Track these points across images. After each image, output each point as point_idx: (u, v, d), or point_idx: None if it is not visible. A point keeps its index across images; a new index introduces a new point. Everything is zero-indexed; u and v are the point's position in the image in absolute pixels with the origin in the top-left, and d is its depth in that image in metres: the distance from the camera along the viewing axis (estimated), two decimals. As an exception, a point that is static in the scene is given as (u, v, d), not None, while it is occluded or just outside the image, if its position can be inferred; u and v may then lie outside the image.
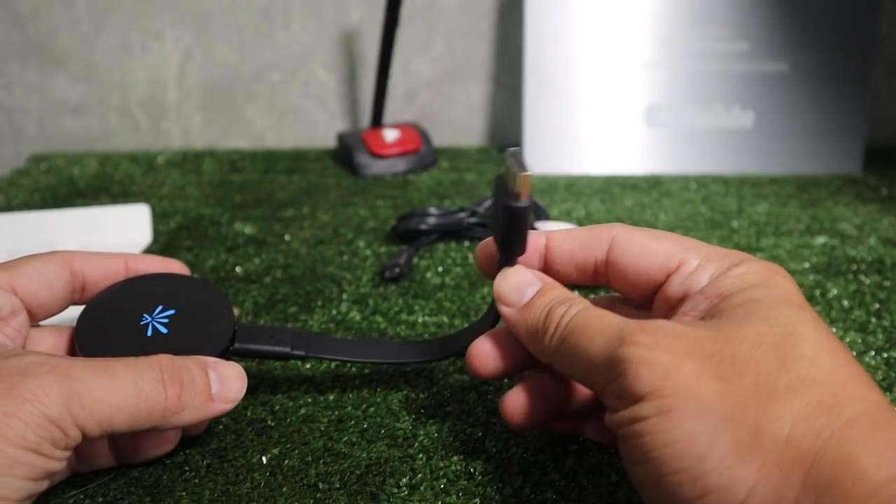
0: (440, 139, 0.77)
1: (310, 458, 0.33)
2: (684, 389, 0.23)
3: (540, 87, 0.67)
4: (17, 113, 0.77)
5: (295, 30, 0.75)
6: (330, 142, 0.77)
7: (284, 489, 0.31)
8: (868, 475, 0.20)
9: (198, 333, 0.32)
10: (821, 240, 0.54)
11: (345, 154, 0.70)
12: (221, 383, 0.30)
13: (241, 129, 0.78)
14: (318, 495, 0.31)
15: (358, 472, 0.32)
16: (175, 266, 0.36)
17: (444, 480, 0.31)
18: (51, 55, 0.75)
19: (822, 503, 0.20)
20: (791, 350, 0.23)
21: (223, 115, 0.77)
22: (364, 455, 0.33)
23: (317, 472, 0.32)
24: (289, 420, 0.35)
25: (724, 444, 0.22)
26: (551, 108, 0.67)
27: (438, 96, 0.77)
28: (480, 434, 0.34)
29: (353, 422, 0.35)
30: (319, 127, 0.78)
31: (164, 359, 0.28)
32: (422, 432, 0.34)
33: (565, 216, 0.58)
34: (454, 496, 0.31)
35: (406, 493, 0.31)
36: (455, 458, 0.33)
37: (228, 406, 0.30)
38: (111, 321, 0.32)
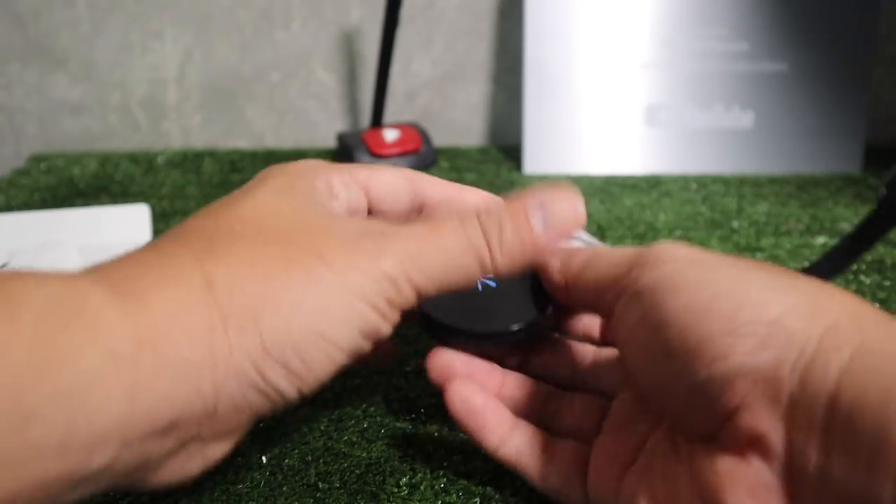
0: (440, 139, 0.77)
1: (309, 458, 0.33)
2: (716, 256, 0.25)
3: (540, 87, 0.67)
4: (17, 113, 0.77)
5: (295, 30, 0.75)
6: (330, 142, 0.77)
7: (284, 489, 0.31)
8: None
9: (524, 290, 0.32)
10: (821, 240, 0.54)
11: (345, 154, 0.70)
12: (550, 218, 0.29)
13: (241, 129, 0.78)
14: (318, 495, 0.31)
15: (358, 471, 0.32)
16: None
17: (444, 480, 0.31)
18: (51, 55, 0.75)
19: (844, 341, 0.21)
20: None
21: (223, 115, 0.77)
22: (364, 455, 0.33)
23: (316, 472, 0.32)
24: (288, 419, 0.35)
25: (761, 278, 0.23)
26: (551, 108, 0.67)
27: (438, 96, 0.77)
28: (480, 434, 0.34)
29: (353, 421, 0.35)
30: (319, 127, 0.78)
31: (473, 201, 0.33)
32: (422, 432, 0.34)
33: (565, 216, 0.58)
34: (454, 496, 0.31)
35: (406, 492, 0.31)
36: (455, 458, 0.33)
37: (560, 235, 0.29)
38: None
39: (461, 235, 0.27)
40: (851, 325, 0.21)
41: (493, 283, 0.32)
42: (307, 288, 0.24)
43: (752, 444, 0.22)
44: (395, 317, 0.26)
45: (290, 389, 0.24)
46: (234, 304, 0.23)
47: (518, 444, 0.29)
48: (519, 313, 0.31)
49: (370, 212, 0.32)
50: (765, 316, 0.22)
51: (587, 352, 0.33)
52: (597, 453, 0.28)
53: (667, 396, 0.25)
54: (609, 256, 0.28)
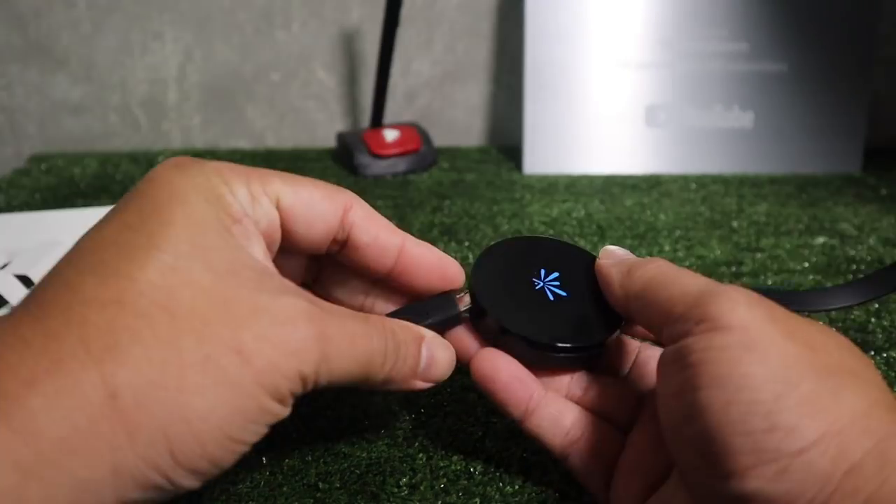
0: (440, 139, 0.77)
1: (310, 458, 0.33)
2: (774, 337, 0.23)
3: (540, 87, 0.67)
4: (17, 113, 0.77)
5: (295, 30, 0.75)
6: (330, 142, 0.77)
7: (284, 489, 0.31)
8: None
9: (596, 300, 0.31)
10: (820, 240, 0.54)
11: (345, 154, 0.70)
12: (429, 364, 0.29)
13: (242, 129, 0.78)
14: (318, 495, 0.31)
15: (358, 471, 0.32)
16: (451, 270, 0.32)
17: (444, 480, 0.31)
18: (51, 55, 0.75)
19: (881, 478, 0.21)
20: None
21: (223, 115, 0.77)
22: (364, 455, 0.33)
23: (317, 472, 0.32)
24: (289, 419, 0.35)
25: (803, 391, 0.22)
26: (551, 108, 0.67)
27: (438, 96, 0.77)
28: (480, 434, 0.34)
29: (353, 421, 0.35)
30: (319, 127, 0.78)
31: (388, 325, 0.27)
32: (422, 432, 0.34)
33: (565, 216, 0.58)
34: (454, 496, 0.31)
35: (406, 492, 0.31)
36: (455, 458, 0.33)
37: (428, 386, 0.29)
38: (507, 282, 0.31)
39: (373, 343, 0.26)
40: (875, 466, 0.21)
41: (564, 293, 0.31)
42: (222, 394, 0.22)
43: None
44: (293, 401, 0.25)
45: (195, 485, 0.23)
46: (142, 418, 0.21)
47: (543, 418, 0.30)
48: (592, 329, 0.30)
49: (283, 233, 0.28)
50: (793, 445, 0.21)
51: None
52: (627, 460, 0.29)
53: (686, 473, 0.25)
54: (671, 289, 0.26)
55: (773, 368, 0.22)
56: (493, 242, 0.34)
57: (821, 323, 0.25)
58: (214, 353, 0.22)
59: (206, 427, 0.22)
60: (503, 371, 0.30)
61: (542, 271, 0.32)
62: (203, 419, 0.22)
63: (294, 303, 0.24)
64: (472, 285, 0.31)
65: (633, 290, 0.28)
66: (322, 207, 0.28)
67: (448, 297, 0.31)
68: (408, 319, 0.29)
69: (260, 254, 0.26)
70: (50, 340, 0.21)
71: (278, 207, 0.27)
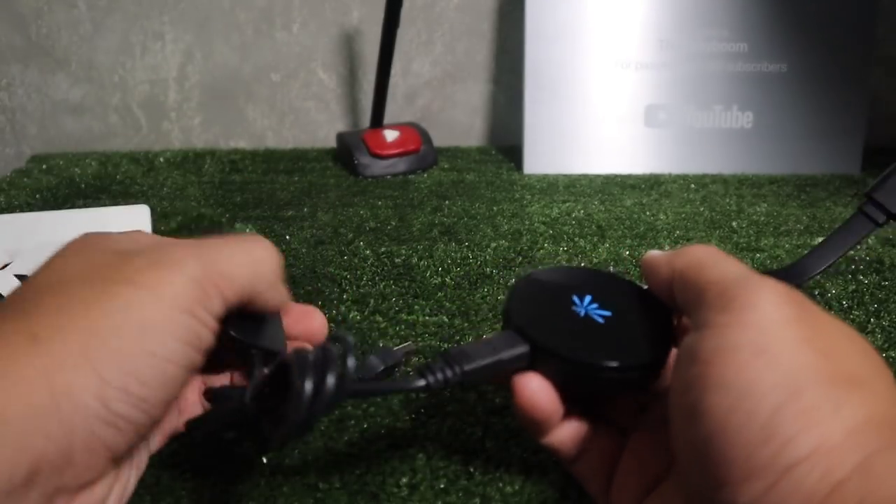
0: (440, 139, 0.77)
1: (310, 458, 0.33)
2: (787, 342, 0.23)
3: (540, 87, 0.67)
4: (18, 113, 0.77)
5: (295, 30, 0.75)
6: (330, 142, 0.77)
7: (284, 489, 0.31)
8: None
9: (639, 316, 0.30)
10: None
11: (345, 154, 0.70)
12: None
13: (242, 129, 0.78)
14: (318, 495, 0.31)
15: (358, 471, 0.32)
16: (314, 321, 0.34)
17: (444, 480, 0.32)
18: (52, 56, 0.75)
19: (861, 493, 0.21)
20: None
21: (224, 115, 0.77)
22: (364, 455, 0.33)
23: (317, 472, 0.32)
24: (289, 420, 0.35)
25: (803, 402, 0.22)
26: (551, 108, 0.67)
27: (438, 97, 0.77)
28: (480, 434, 0.34)
29: (353, 422, 0.35)
30: (319, 127, 0.78)
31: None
32: (422, 432, 0.34)
33: (565, 216, 0.58)
34: (454, 496, 0.31)
35: (406, 493, 0.31)
36: (455, 458, 0.33)
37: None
38: (553, 319, 0.30)
39: (268, 247, 0.29)
40: (858, 482, 0.21)
41: (608, 313, 0.30)
42: (125, 312, 0.25)
43: None
44: (212, 323, 0.27)
45: (135, 414, 0.24)
46: (63, 348, 0.23)
47: (563, 435, 0.30)
48: (650, 345, 0.29)
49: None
50: (783, 461, 0.21)
51: None
52: (625, 463, 0.29)
53: (682, 471, 0.25)
54: (711, 271, 0.27)
55: (778, 375, 0.22)
56: (513, 286, 0.32)
57: (849, 327, 0.25)
58: (107, 287, 0.25)
59: (121, 343, 0.24)
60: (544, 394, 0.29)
61: (576, 298, 0.31)
62: (114, 336, 0.24)
63: (169, 240, 0.29)
64: (528, 334, 0.29)
65: (677, 268, 0.28)
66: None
67: (513, 335, 0.29)
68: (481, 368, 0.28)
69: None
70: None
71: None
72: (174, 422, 0.32)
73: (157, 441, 0.30)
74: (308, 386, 0.24)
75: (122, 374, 0.24)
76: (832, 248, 0.34)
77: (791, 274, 0.34)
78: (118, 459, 0.25)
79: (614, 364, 0.28)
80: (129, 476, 0.28)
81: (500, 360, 0.28)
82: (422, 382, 0.27)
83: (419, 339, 0.42)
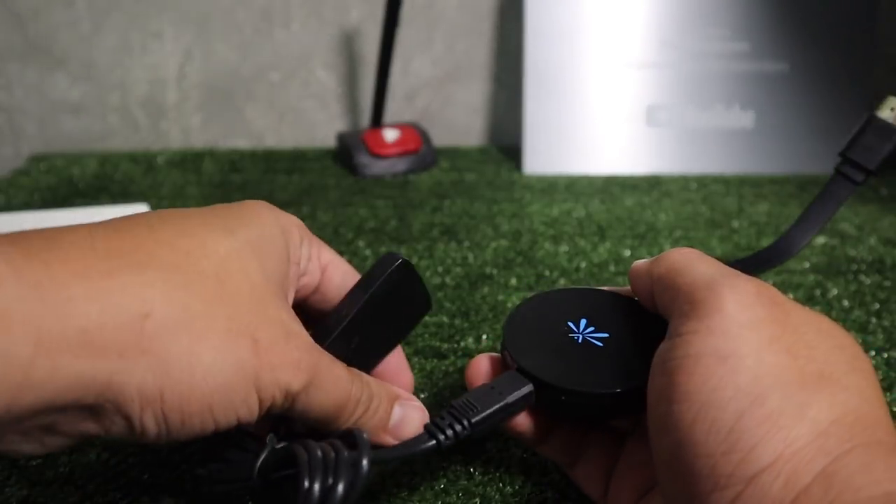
0: (440, 139, 0.77)
1: (309, 458, 0.33)
2: (752, 345, 0.23)
3: (540, 87, 0.67)
4: (16, 113, 0.77)
5: (295, 30, 0.75)
6: (330, 142, 0.77)
7: (284, 489, 0.31)
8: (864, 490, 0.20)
9: (637, 356, 0.28)
10: (821, 240, 0.54)
11: (345, 154, 0.70)
12: (401, 422, 0.29)
13: (241, 129, 0.78)
14: (318, 495, 0.31)
15: (358, 472, 0.32)
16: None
17: (444, 480, 0.31)
18: (50, 55, 0.75)
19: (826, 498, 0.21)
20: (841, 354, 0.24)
21: (223, 115, 0.77)
22: (364, 455, 0.33)
23: (316, 472, 0.32)
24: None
25: (767, 408, 0.22)
26: (551, 108, 0.67)
27: (438, 96, 0.77)
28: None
29: (352, 422, 0.35)
30: (319, 127, 0.78)
31: (366, 378, 0.28)
32: (422, 432, 0.34)
33: (565, 216, 0.58)
34: (454, 496, 0.31)
35: (406, 493, 0.31)
36: (455, 458, 0.33)
37: (395, 442, 0.29)
38: (551, 349, 0.30)
39: (358, 397, 0.27)
40: (821, 490, 0.21)
41: (606, 335, 0.30)
42: (227, 365, 0.24)
43: None
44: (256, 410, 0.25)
45: (152, 433, 0.24)
46: (157, 347, 0.22)
47: (558, 445, 0.30)
48: (642, 373, 0.27)
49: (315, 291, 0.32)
50: (747, 471, 0.21)
51: None
52: (621, 467, 0.29)
53: (660, 480, 0.25)
54: (686, 275, 0.27)
55: (742, 380, 0.22)
56: (507, 320, 0.32)
57: (826, 320, 0.25)
58: (236, 331, 0.24)
59: (200, 384, 0.23)
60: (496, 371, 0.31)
61: (571, 324, 0.31)
62: (202, 376, 0.23)
63: (305, 333, 0.27)
64: (522, 365, 0.29)
65: (656, 274, 0.28)
66: (350, 277, 0.32)
67: (514, 374, 0.29)
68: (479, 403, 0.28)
69: (291, 296, 0.29)
70: (114, 256, 0.23)
71: (323, 274, 0.31)
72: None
73: None
74: (316, 489, 0.24)
75: (175, 404, 0.23)
76: (816, 217, 0.33)
77: (779, 250, 0.33)
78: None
79: (618, 391, 0.28)
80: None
81: (506, 405, 0.28)
82: (432, 443, 0.27)
83: (419, 338, 0.42)
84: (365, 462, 0.24)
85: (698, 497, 0.22)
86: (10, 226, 0.53)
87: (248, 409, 0.25)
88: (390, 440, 0.28)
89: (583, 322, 0.31)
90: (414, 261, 0.51)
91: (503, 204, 0.61)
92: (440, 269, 0.50)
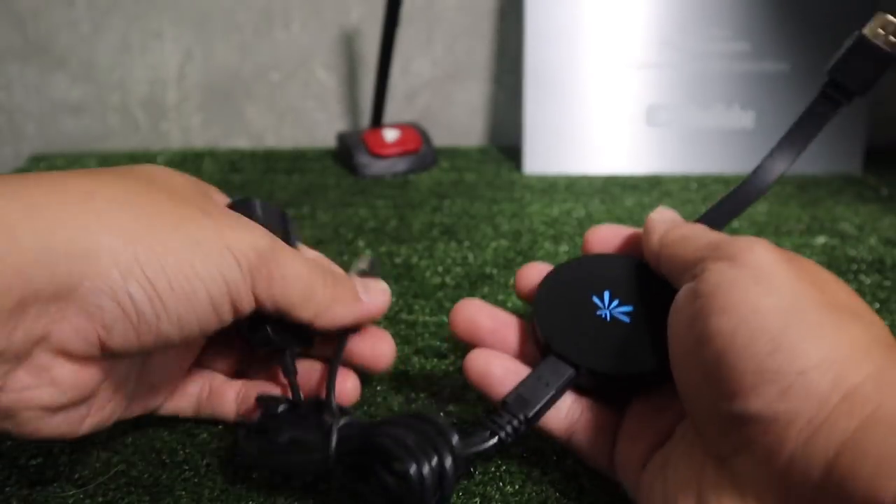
0: (440, 139, 0.77)
1: (310, 458, 0.33)
2: (784, 275, 0.24)
3: (540, 87, 0.67)
4: (16, 113, 0.77)
5: (295, 30, 0.75)
6: (330, 142, 0.77)
7: (284, 489, 0.31)
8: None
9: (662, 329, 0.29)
10: (821, 240, 0.54)
11: (345, 154, 0.70)
12: (367, 293, 0.32)
13: (241, 129, 0.78)
14: (319, 495, 0.31)
15: (358, 471, 0.32)
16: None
17: (444, 480, 0.31)
18: (50, 55, 0.75)
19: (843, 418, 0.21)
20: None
21: (223, 115, 0.77)
22: (364, 455, 0.33)
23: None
24: (288, 420, 0.35)
25: (808, 320, 0.23)
26: (551, 108, 0.67)
27: (438, 96, 0.77)
28: (480, 434, 0.34)
29: (352, 422, 0.35)
30: (319, 127, 0.78)
31: (323, 259, 0.33)
32: (422, 432, 0.34)
33: (565, 216, 0.58)
34: (454, 496, 0.31)
35: (406, 492, 0.31)
36: (455, 457, 0.33)
37: (374, 311, 0.32)
38: (582, 329, 0.31)
39: (323, 274, 0.30)
40: (872, 389, 0.21)
41: (630, 308, 0.31)
42: (189, 226, 0.26)
43: (752, 486, 0.22)
44: (249, 299, 0.28)
45: (146, 311, 0.25)
46: (110, 215, 0.25)
47: (558, 417, 0.31)
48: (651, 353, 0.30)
49: None
50: (794, 366, 0.22)
51: None
52: (627, 428, 0.29)
53: (692, 401, 0.26)
54: (699, 240, 0.28)
55: (780, 300, 0.23)
56: (536, 299, 0.33)
57: (830, 272, 0.27)
58: (192, 206, 0.27)
59: (172, 242, 0.25)
60: (497, 366, 0.31)
61: (596, 300, 0.32)
62: (170, 236, 0.25)
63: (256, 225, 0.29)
64: (561, 352, 0.30)
65: (668, 240, 0.30)
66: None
67: (555, 361, 0.30)
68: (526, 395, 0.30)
69: None
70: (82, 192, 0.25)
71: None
72: (159, 400, 0.32)
73: (135, 407, 0.31)
74: (426, 472, 0.24)
75: (157, 266, 0.25)
76: (799, 137, 0.33)
77: (766, 169, 0.33)
78: (107, 355, 0.25)
79: (653, 367, 0.29)
80: (106, 411, 0.28)
81: (554, 395, 0.30)
82: (494, 441, 0.28)
83: (419, 338, 0.42)
84: (455, 441, 0.26)
85: (740, 394, 0.22)
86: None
87: (227, 266, 0.26)
88: (369, 307, 0.32)
89: (606, 296, 0.32)
90: (414, 261, 0.51)
91: (503, 204, 0.61)
92: (440, 269, 0.50)
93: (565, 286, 0.33)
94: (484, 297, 0.46)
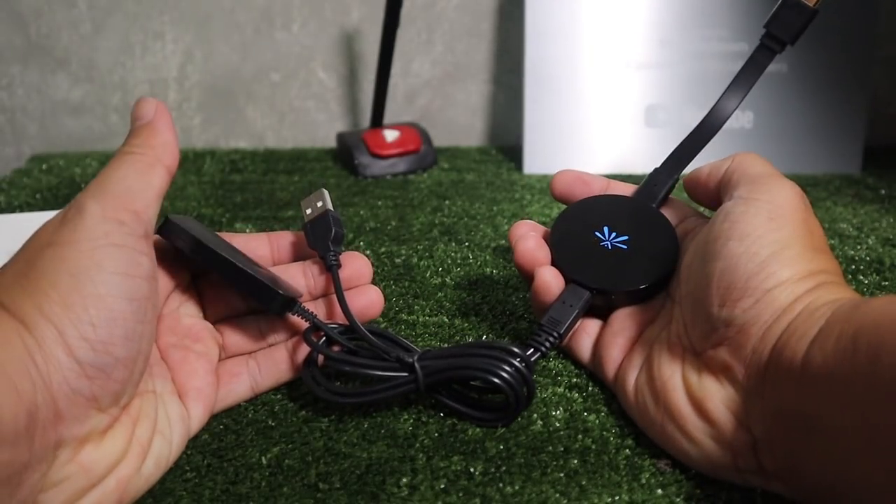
0: (440, 139, 0.77)
1: (310, 458, 0.33)
2: (790, 216, 0.32)
3: (540, 87, 0.67)
4: (18, 113, 0.77)
5: (295, 30, 0.75)
6: (330, 142, 0.77)
7: (284, 489, 0.31)
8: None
9: (655, 252, 0.38)
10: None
11: (345, 154, 0.70)
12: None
13: (242, 129, 0.78)
14: (318, 495, 0.31)
15: (358, 472, 0.32)
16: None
17: (444, 480, 0.32)
18: (52, 56, 0.75)
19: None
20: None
21: (223, 115, 0.77)
22: (364, 455, 0.33)
23: (317, 472, 0.32)
24: (289, 420, 0.35)
25: (792, 251, 0.31)
26: (551, 108, 0.67)
27: (438, 96, 0.77)
28: (480, 434, 0.34)
29: (353, 422, 0.35)
30: (319, 127, 0.78)
31: None
32: (422, 432, 0.34)
33: (565, 216, 0.58)
34: (454, 496, 0.31)
35: (406, 493, 0.31)
36: (455, 458, 0.33)
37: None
38: (575, 237, 0.39)
39: (158, 158, 0.33)
40: (811, 298, 0.29)
41: (627, 237, 0.39)
42: (54, 266, 0.27)
43: (724, 371, 0.31)
44: (142, 246, 0.29)
45: (101, 359, 0.27)
46: (23, 310, 0.26)
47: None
48: (664, 263, 0.37)
49: None
50: (768, 283, 0.30)
51: None
52: (605, 339, 0.37)
53: (689, 305, 0.33)
54: (748, 169, 0.35)
55: (780, 234, 0.31)
56: (552, 234, 0.40)
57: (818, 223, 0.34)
58: (37, 255, 0.29)
59: (60, 295, 0.27)
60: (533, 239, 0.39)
61: (598, 234, 0.39)
62: (53, 290, 0.27)
63: None
64: (578, 279, 0.37)
65: (725, 168, 0.36)
66: None
67: (575, 287, 0.38)
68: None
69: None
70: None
71: None
72: (212, 397, 0.34)
73: (199, 413, 0.33)
74: (510, 377, 0.33)
75: (73, 322, 0.26)
76: (744, 82, 0.40)
77: (716, 116, 0.40)
78: (106, 408, 0.28)
79: (650, 282, 0.37)
80: (147, 435, 0.30)
81: (578, 314, 0.37)
82: (539, 353, 0.36)
83: (419, 339, 0.42)
84: (519, 350, 0.34)
85: (728, 303, 0.31)
86: (11, 226, 0.53)
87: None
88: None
89: (606, 230, 0.39)
90: (414, 261, 0.51)
91: (503, 204, 0.61)
92: (440, 269, 0.50)
93: (571, 227, 0.40)
94: (484, 297, 0.46)
